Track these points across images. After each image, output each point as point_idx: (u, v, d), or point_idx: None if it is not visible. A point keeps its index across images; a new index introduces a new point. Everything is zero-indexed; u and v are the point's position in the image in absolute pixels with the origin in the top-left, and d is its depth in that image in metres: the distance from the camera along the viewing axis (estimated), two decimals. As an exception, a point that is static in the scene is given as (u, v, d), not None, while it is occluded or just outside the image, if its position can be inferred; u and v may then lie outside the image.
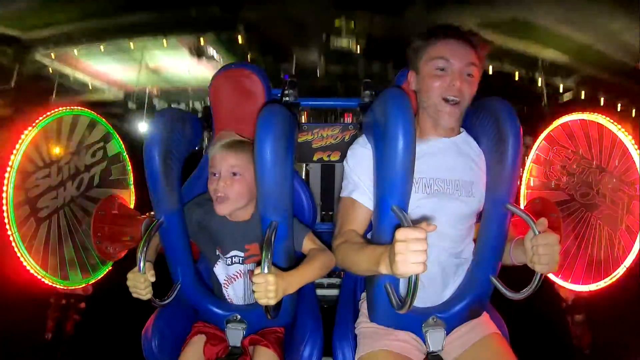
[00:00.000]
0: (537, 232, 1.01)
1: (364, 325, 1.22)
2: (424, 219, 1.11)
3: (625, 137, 1.30)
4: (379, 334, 1.16)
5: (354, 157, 1.19)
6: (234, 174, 1.21)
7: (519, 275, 1.13)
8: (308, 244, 1.23)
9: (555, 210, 1.51)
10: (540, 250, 0.99)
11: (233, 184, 1.20)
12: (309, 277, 1.12)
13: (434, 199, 1.15)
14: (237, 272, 1.29)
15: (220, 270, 1.30)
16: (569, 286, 1.50)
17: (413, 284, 0.89)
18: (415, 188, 1.13)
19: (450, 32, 1.16)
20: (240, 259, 1.28)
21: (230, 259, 1.28)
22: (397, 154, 0.99)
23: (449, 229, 1.16)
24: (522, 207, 1.72)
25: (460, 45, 1.14)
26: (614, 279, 1.34)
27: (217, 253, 1.30)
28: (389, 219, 1.02)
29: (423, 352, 1.17)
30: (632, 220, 1.27)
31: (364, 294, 1.30)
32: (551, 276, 1.55)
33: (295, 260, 1.21)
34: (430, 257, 0.89)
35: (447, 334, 1.18)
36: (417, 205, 1.14)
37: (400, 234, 0.87)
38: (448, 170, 1.17)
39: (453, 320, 1.19)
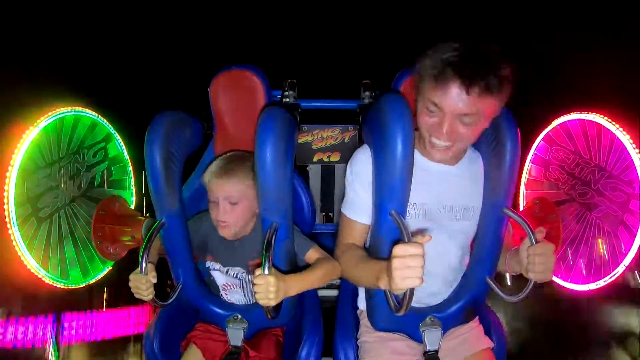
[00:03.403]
0: (533, 239, 1.01)
1: (364, 338, 1.23)
2: (420, 231, 1.11)
3: (623, 136, 1.30)
4: (379, 350, 1.18)
5: (354, 169, 1.17)
6: (233, 203, 1.19)
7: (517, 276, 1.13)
8: (315, 254, 1.22)
9: (554, 210, 1.51)
10: (536, 260, 1.00)
11: (233, 211, 1.19)
12: (311, 282, 1.12)
13: (434, 225, 1.14)
14: (234, 283, 1.29)
15: (217, 275, 1.30)
16: (569, 285, 1.50)
17: (409, 290, 0.90)
18: (416, 214, 1.14)
19: (454, 76, 0.96)
20: (238, 273, 1.28)
21: (227, 271, 1.28)
22: (396, 159, 0.99)
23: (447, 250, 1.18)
24: (521, 207, 1.72)
25: (463, 93, 0.96)
26: (613, 278, 1.34)
27: (210, 263, 1.29)
28: (387, 224, 1.03)
29: (421, 357, 1.18)
30: (631, 219, 1.28)
31: (361, 306, 1.31)
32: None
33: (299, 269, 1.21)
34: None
35: (444, 333, 1.20)
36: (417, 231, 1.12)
37: (398, 250, 0.88)
38: (449, 197, 1.15)
39: (449, 320, 1.20)
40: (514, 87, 1.00)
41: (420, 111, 1.04)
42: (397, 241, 0.94)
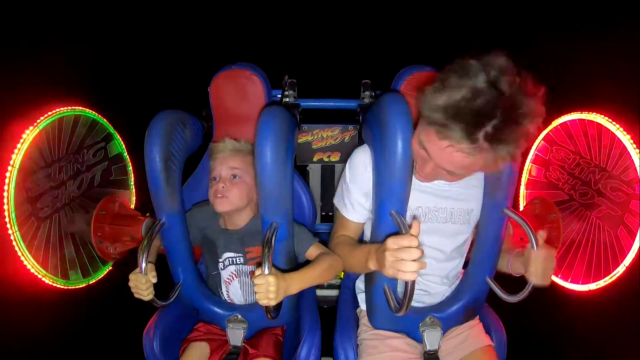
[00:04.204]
0: (533, 237, 1.02)
1: (363, 336, 1.24)
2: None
3: (624, 136, 1.30)
4: (378, 348, 1.18)
5: (352, 168, 1.18)
6: (234, 177, 1.23)
7: (516, 277, 1.13)
8: (316, 251, 1.23)
9: (554, 210, 1.51)
10: (538, 265, 1.01)
11: (233, 187, 1.22)
12: (311, 279, 1.12)
13: (432, 228, 1.15)
14: (232, 275, 1.30)
15: (215, 273, 1.31)
16: (569, 285, 1.50)
17: (410, 288, 0.90)
18: (415, 217, 1.13)
19: (452, 140, 0.86)
20: (232, 259, 1.29)
21: (222, 263, 1.29)
22: (396, 158, 0.99)
23: (441, 253, 1.18)
24: (522, 207, 1.72)
25: (457, 159, 0.89)
26: (613, 278, 1.34)
27: (211, 266, 1.31)
28: (387, 223, 1.03)
29: (420, 355, 1.18)
30: (632, 220, 1.28)
31: (361, 306, 1.31)
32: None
33: (300, 265, 1.21)
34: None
35: (444, 333, 1.20)
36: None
37: (390, 242, 0.88)
38: (447, 201, 1.15)
39: (449, 320, 1.21)
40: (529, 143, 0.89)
41: (415, 136, 0.99)
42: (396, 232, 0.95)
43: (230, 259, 1.29)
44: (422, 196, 1.13)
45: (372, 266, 0.99)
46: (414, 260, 0.86)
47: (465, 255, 1.23)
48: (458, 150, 0.88)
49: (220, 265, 1.29)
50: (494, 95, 0.82)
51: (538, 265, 1.00)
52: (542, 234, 1.03)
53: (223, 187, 1.21)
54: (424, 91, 0.92)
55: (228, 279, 1.30)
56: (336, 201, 1.24)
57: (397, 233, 0.98)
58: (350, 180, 1.17)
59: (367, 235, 1.24)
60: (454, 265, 1.21)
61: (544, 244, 1.03)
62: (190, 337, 1.29)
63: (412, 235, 0.87)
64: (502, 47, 0.93)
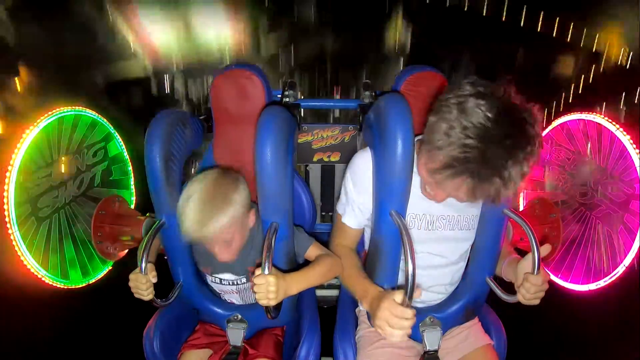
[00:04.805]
0: (533, 237, 1.01)
1: (362, 332, 1.24)
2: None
3: (624, 136, 1.30)
4: (377, 343, 1.18)
5: (352, 173, 1.16)
6: (227, 241, 1.12)
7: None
8: (315, 251, 1.22)
9: (554, 210, 1.51)
10: (531, 290, 0.99)
11: (230, 247, 1.13)
12: (312, 279, 1.11)
13: (435, 234, 1.15)
14: (231, 291, 1.28)
15: (210, 283, 1.29)
16: (569, 285, 1.50)
17: (409, 289, 0.90)
18: (418, 224, 1.13)
19: (465, 181, 0.86)
20: (233, 281, 1.26)
21: (219, 279, 1.26)
22: (396, 159, 0.99)
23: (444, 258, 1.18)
24: (522, 207, 1.72)
25: (468, 195, 0.89)
26: (613, 278, 1.34)
27: (203, 273, 1.27)
28: (387, 224, 1.03)
29: (420, 354, 1.18)
30: (632, 220, 1.28)
31: (361, 306, 1.31)
32: (551, 276, 1.56)
33: (299, 266, 1.20)
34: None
35: (443, 333, 1.20)
36: (419, 240, 1.12)
37: (386, 304, 0.90)
38: (450, 208, 1.13)
39: (449, 320, 1.20)
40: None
41: (424, 159, 0.95)
42: (398, 237, 0.94)
43: (231, 281, 1.26)
44: (428, 204, 1.13)
45: (366, 308, 1.02)
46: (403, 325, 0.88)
47: (467, 257, 1.23)
48: (468, 191, 0.88)
49: (216, 279, 1.26)
50: (502, 134, 0.81)
51: (531, 290, 0.99)
52: (546, 247, 1.02)
53: (219, 251, 1.12)
54: (432, 122, 0.90)
55: (227, 290, 1.29)
56: (338, 207, 1.23)
57: (397, 234, 0.98)
58: (354, 186, 1.16)
59: (367, 238, 1.24)
60: (457, 269, 1.21)
61: (542, 268, 1.01)
62: (190, 341, 1.28)
63: (408, 308, 0.88)
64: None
